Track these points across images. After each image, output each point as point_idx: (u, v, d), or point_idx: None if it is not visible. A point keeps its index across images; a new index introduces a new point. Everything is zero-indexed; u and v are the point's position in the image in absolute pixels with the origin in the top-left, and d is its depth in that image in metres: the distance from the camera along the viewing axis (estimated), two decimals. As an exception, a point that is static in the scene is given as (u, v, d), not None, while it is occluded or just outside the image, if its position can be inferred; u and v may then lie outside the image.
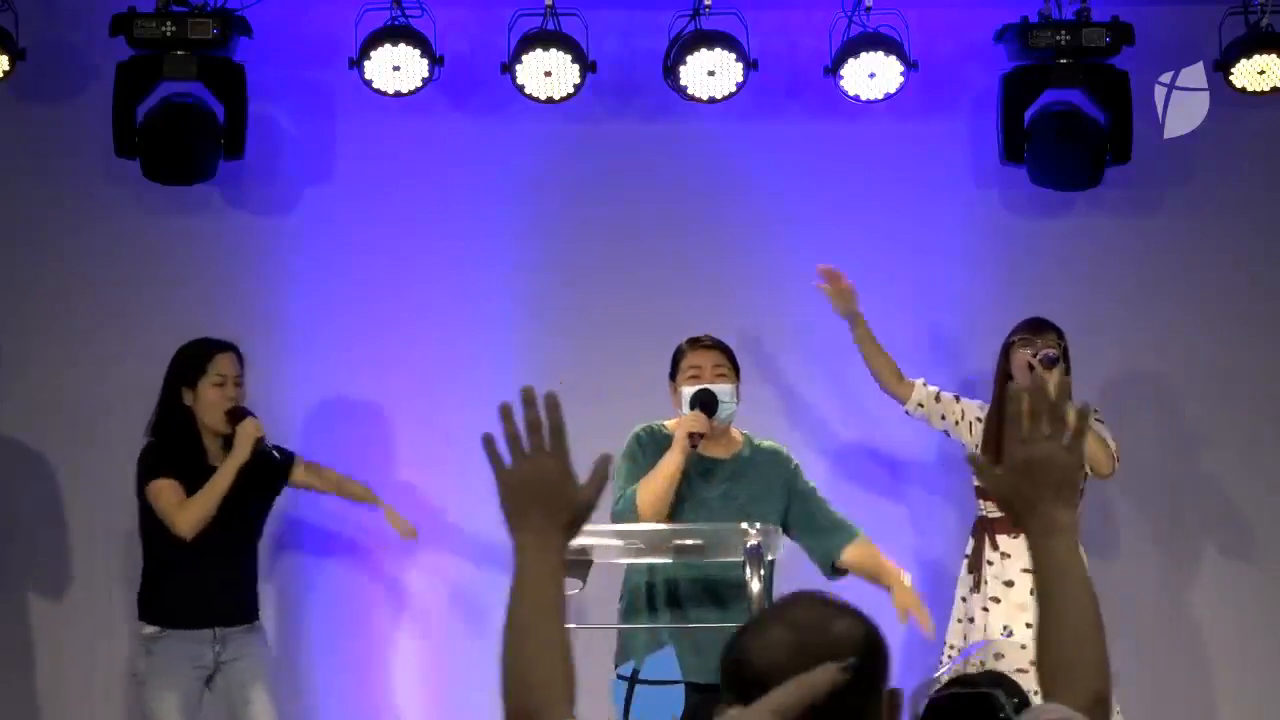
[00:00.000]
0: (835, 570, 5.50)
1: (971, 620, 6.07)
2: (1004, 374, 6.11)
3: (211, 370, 5.77)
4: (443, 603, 6.62)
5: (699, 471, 5.43)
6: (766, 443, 5.61)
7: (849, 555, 5.48)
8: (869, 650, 2.16)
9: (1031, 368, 5.99)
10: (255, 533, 5.91)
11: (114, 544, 6.59)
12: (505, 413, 2.34)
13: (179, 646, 5.68)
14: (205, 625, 5.71)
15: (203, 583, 5.69)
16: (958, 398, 6.24)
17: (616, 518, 5.26)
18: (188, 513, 5.65)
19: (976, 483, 6.12)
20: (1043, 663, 2.31)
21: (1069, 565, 2.33)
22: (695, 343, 5.53)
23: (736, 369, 5.53)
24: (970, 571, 6.11)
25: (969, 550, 6.15)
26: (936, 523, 6.67)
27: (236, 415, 5.75)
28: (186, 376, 5.80)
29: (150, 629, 5.72)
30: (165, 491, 5.69)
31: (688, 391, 5.41)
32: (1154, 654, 6.63)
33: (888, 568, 5.46)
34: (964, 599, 6.12)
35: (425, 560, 6.60)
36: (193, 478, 5.70)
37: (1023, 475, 2.36)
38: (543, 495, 2.33)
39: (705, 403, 5.36)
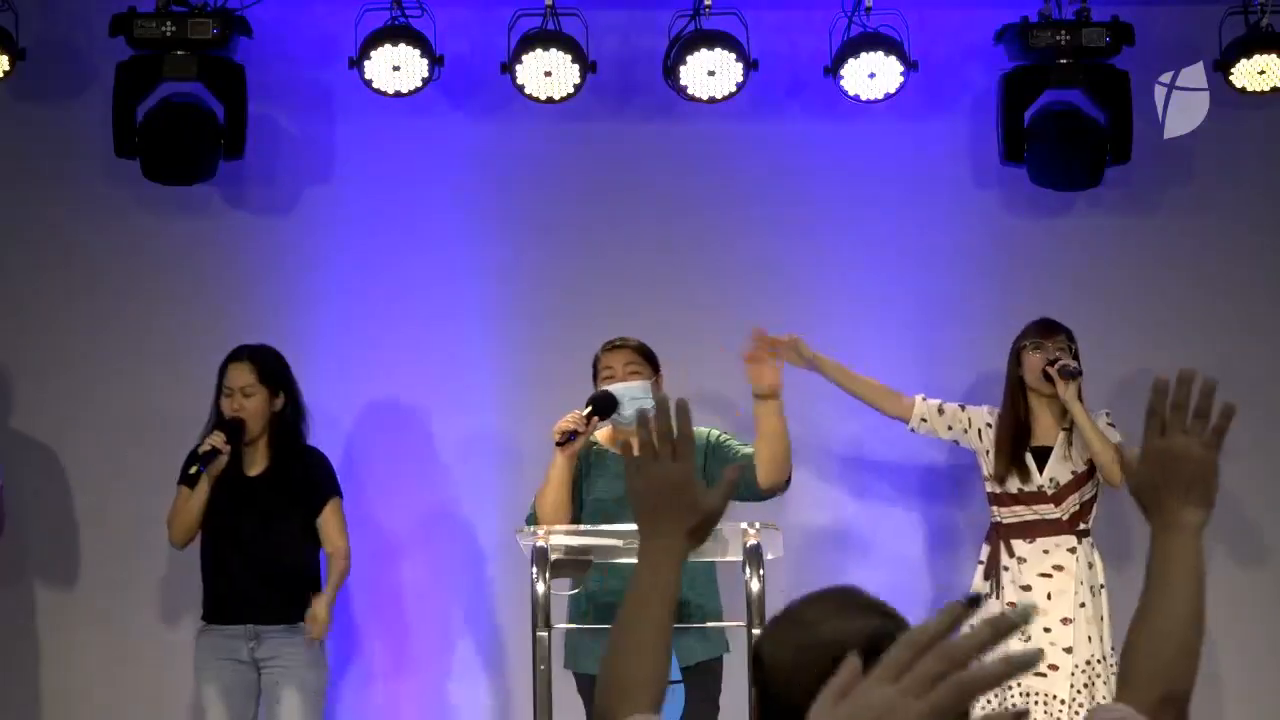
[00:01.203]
0: (763, 491, 5.36)
1: None
2: (1015, 378, 6.08)
3: (224, 381, 5.88)
4: (431, 598, 6.61)
5: (615, 471, 5.47)
6: (697, 430, 5.56)
7: (759, 460, 5.34)
8: (872, 650, 2.11)
9: (1049, 377, 5.96)
10: (292, 540, 5.91)
11: (114, 544, 6.60)
12: (642, 419, 2.39)
13: (217, 640, 5.87)
14: (238, 622, 5.85)
15: (236, 582, 5.84)
16: (962, 406, 6.21)
17: (529, 523, 5.29)
18: (170, 527, 5.88)
19: (989, 489, 6.10)
20: (1127, 651, 2.29)
21: (1183, 563, 2.29)
22: (609, 345, 5.57)
23: (654, 366, 5.54)
24: (986, 578, 6.06)
25: (984, 557, 6.11)
26: (949, 530, 6.65)
27: (225, 427, 5.80)
28: (217, 384, 5.91)
29: (201, 622, 5.93)
30: (175, 500, 5.88)
31: None
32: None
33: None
34: None
35: (409, 557, 6.59)
36: (224, 482, 5.82)
37: (1155, 467, 2.33)
38: (670, 500, 2.39)
39: (598, 403, 5.39)
